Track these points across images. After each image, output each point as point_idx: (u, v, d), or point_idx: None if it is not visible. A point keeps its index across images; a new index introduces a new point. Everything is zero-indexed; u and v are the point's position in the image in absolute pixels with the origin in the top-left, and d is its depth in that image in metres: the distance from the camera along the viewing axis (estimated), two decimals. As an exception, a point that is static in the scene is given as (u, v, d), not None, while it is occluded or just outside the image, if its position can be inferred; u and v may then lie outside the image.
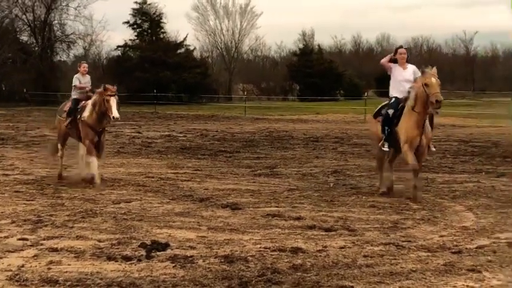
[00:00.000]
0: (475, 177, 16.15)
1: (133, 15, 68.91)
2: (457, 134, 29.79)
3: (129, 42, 68.57)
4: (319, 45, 79.67)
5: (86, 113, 15.27)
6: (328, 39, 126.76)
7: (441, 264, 8.34)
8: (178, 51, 69.18)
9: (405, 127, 13.18)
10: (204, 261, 8.49)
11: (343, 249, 9.08)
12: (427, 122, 13.25)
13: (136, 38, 68.90)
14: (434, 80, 12.66)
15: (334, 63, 74.88)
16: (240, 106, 52.53)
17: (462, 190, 14.08)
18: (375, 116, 14.30)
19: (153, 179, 15.73)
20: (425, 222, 10.95)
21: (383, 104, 14.22)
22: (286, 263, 8.39)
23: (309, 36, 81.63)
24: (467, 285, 7.53)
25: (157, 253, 8.83)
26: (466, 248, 9.16)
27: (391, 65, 13.99)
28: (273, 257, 8.69)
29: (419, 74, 13.23)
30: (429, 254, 8.86)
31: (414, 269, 8.11)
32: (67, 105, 16.09)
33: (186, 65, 65.62)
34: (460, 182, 15.33)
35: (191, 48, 71.51)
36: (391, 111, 13.53)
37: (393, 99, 13.75)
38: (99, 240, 9.53)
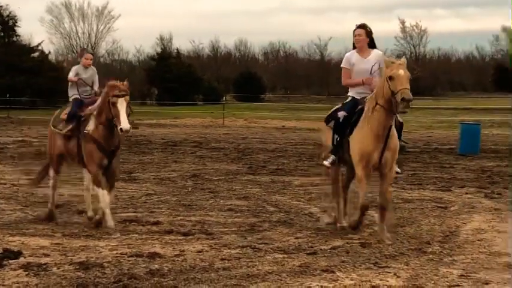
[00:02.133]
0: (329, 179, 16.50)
1: (-16, 18, 66.55)
2: (312, 138, 30.37)
3: (-19, 46, 66.18)
4: (177, 50, 79.72)
5: (90, 125, 10.83)
6: (186, 44, 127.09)
7: (297, 265, 8.48)
8: (32, 55, 67.38)
9: (359, 137, 9.88)
10: (58, 268, 8.29)
11: (200, 253, 9.09)
12: (393, 129, 9.88)
13: (-13, 41, 66.57)
14: (402, 72, 9.44)
15: (192, 68, 75.03)
16: (97, 110, 51.60)
17: (317, 192, 14.35)
18: (327, 120, 10.86)
19: (5, 186, 15.24)
20: (281, 225, 11.12)
21: (338, 106, 10.88)
22: (143, 268, 8.31)
23: (166, 41, 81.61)
24: (321, 286, 7.68)
25: (10, 261, 8.54)
26: (321, 249, 9.36)
27: (347, 56, 10.63)
28: (130, 262, 8.59)
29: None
30: (285, 255, 9.00)
31: (270, 271, 8.21)
32: (66, 111, 11.63)
33: (41, 69, 63.93)
34: (316, 184, 15.63)
35: (46, 52, 69.88)
36: (342, 114, 10.25)
37: (349, 99, 10.53)
38: None
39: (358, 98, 10.34)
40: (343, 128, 10.24)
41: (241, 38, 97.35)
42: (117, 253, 9.05)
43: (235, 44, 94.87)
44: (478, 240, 10.02)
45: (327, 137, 10.82)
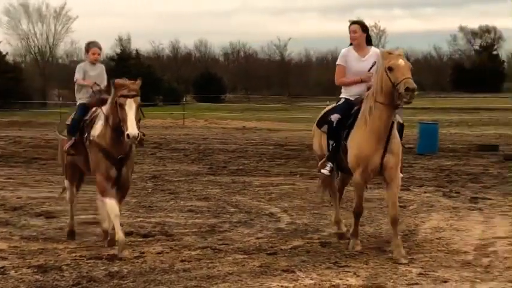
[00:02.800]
0: (290, 179, 16.58)
1: None
2: (273, 138, 30.48)
3: None
4: (137, 50, 79.26)
5: (96, 130, 9.46)
6: (146, 45, 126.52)
7: (257, 265, 8.49)
8: (-11, 56, 66.57)
9: (356, 139, 9.04)
10: (16, 272, 8.22)
11: (160, 255, 9.05)
12: (395, 130, 9.05)
13: None
14: (402, 62, 8.65)
15: (152, 68, 74.63)
16: (56, 112, 51.14)
17: (278, 192, 14.41)
18: (319, 124, 10.10)
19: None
20: (242, 225, 11.12)
21: (329, 107, 10.16)
22: (103, 270, 8.26)
23: (126, 41, 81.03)
24: (281, 286, 7.70)
25: (-34, 266, 8.44)
26: (281, 249, 9.39)
27: (343, 53, 9.72)
28: (89, 265, 8.54)
29: None
30: (245, 256, 9.00)
31: (231, 272, 8.21)
32: (71, 117, 10.20)
33: (-3, 70, 63.18)
34: (276, 184, 15.69)
35: (3, 53, 69.00)
36: (335, 117, 9.38)
37: (342, 100, 9.70)
38: None
39: (353, 99, 9.53)
40: (338, 132, 9.38)
41: (201, 39, 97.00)
42: (76, 256, 8.98)
43: (195, 44, 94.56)
44: (437, 238, 10.11)
45: (320, 142, 10.08)
